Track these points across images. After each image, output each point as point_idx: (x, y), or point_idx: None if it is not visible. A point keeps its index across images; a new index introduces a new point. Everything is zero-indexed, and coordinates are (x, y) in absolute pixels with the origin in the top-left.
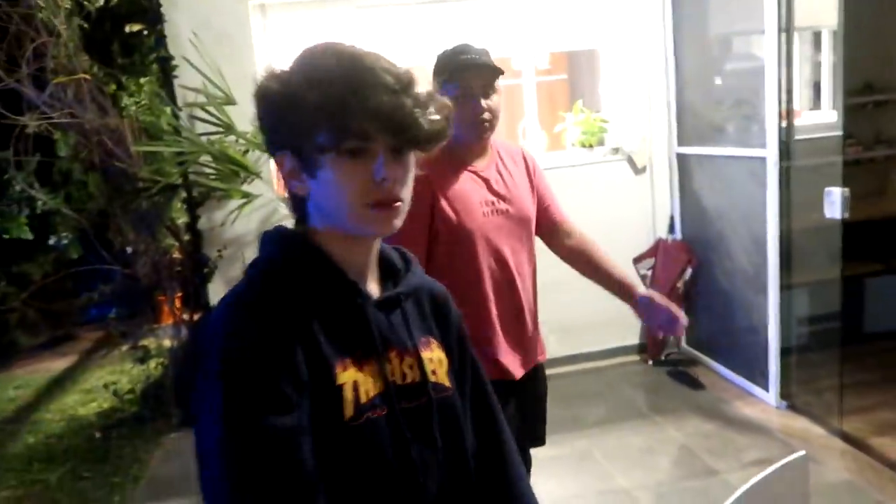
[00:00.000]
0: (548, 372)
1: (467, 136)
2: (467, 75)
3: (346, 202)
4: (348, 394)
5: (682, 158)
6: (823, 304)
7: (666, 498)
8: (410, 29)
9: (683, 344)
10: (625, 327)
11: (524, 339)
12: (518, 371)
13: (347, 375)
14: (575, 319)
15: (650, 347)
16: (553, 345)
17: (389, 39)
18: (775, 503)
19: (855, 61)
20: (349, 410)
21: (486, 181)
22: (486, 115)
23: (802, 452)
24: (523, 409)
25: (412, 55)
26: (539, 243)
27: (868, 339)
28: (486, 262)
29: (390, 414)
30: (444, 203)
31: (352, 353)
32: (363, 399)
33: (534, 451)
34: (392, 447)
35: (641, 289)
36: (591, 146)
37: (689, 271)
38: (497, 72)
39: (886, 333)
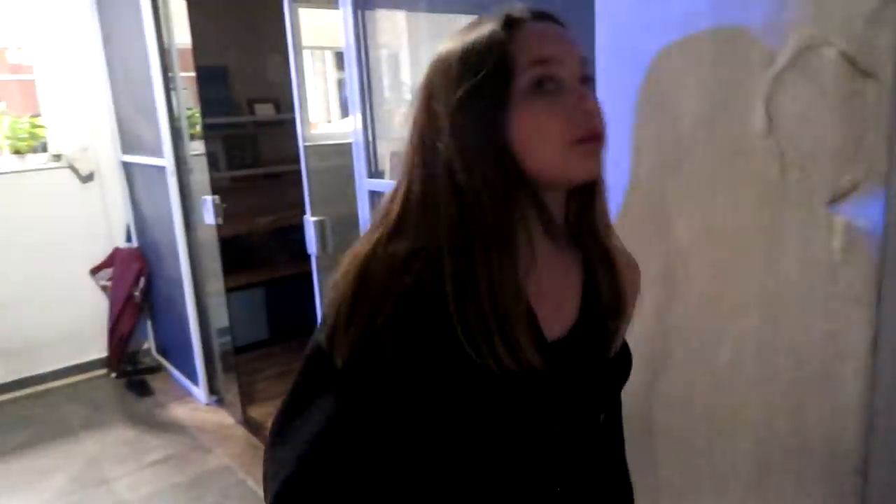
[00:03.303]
0: None
1: None
2: None
3: None
4: None
5: (127, 166)
6: (236, 307)
7: None
8: None
9: (154, 352)
10: (86, 342)
11: None
12: None
13: None
14: (22, 340)
15: (112, 360)
16: None
17: None
18: None
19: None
20: None
21: None
22: None
23: None
24: None
25: None
26: None
27: (287, 336)
28: None
29: None
30: None
31: None
32: None
33: None
34: None
35: None
36: (19, 152)
37: (142, 279)
38: None
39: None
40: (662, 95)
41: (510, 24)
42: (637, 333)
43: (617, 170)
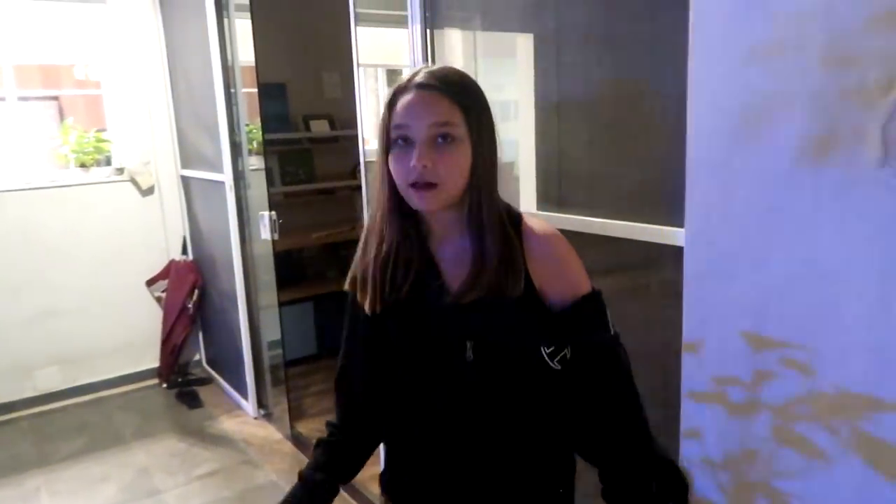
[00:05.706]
0: (45, 407)
1: None
2: None
3: None
4: None
5: (185, 181)
6: (285, 322)
7: None
8: None
9: (204, 364)
10: (139, 352)
11: None
12: None
13: None
14: (79, 348)
15: (163, 371)
16: (54, 377)
17: None
18: None
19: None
20: None
21: None
22: None
23: None
24: None
25: None
26: None
27: (334, 352)
28: None
29: None
30: None
31: None
32: None
33: None
34: None
35: None
36: (84, 165)
37: (196, 292)
38: None
39: (337, 348)
40: (761, 122)
41: (394, 95)
42: (721, 366)
43: (705, 202)
